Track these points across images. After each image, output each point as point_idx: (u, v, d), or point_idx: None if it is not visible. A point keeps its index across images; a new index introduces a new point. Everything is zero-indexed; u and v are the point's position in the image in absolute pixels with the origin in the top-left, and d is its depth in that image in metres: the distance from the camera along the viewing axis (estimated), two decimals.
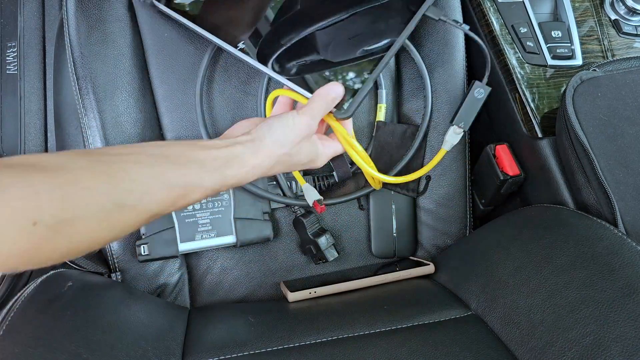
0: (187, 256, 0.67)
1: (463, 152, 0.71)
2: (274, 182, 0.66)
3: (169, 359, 0.50)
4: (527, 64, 0.66)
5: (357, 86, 0.53)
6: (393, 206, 0.71)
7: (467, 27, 0.60)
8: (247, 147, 0.43)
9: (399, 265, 0.69)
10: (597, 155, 0.55)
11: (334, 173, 0.68)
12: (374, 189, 0.69)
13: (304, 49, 0.57)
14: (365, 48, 0.56)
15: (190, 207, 0.62)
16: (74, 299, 0.50)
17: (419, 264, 0.69)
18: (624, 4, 0.70)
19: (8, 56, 0.73)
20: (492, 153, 0.68)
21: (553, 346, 0.46)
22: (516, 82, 0.65)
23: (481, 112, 0.63)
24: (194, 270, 0.67)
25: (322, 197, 0.64)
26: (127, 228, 0.36)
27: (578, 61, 0.67)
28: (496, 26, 0.68)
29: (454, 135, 0.62)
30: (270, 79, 0.67)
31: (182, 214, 0.62)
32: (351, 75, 0.54)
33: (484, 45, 0.59)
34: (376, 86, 0.70)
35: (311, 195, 0.64)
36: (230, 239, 0.63)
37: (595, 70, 0.60)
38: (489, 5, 0.69)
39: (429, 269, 0.68)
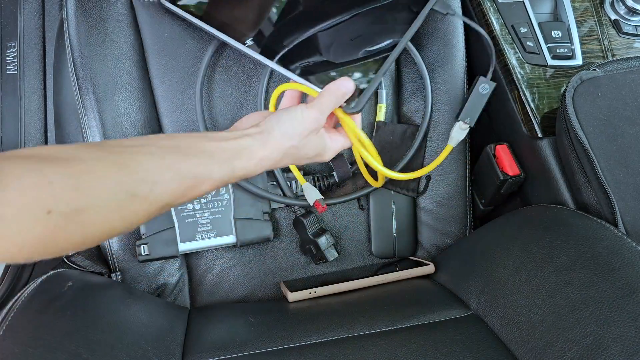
0: (187, 256, 0.67)
1: (463, 152, 0.72)
2: (274, 182, 0.66)
3: (169, 359, 0.50)
4: (527, 64, 0.66)
5: (366, 80, 0.53)
6: (393, 206, 0.71)
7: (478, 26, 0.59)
8: (255, 139, 0.44)
9: (399, 265, 0.69)
10: (597, 155, 0.55)
11: (334, 173, 0.68)
12: (374, 189, 0.69)
13: (313, 44, 0.57)
14: (375, 42, 0.56)
15: (190, 207, 0.62)
16: (74, 299, 0.50)
17: (419, 264, 0.69)
18: (624, 4, 0.70)
19: (8, 56, 0.73)
20: (492, 153, 0.68)
21: (553, 346, 0.46)
22: (516, 82, 0.65)
23: (482, 111, 0.63)
24: (194, 270, 0.67)
25: (322, 197, 0.64)
26: (139, 218, 0.37)
27: (578, 61, 0.67)
28: (496, 26, 0.68)
29: (459, 131, 0.62)
30: (270, 78, 0.67)
31: (182, 214, 0.62)
32: (361, 69, 0.54)
33: (489, 41, 0.59)
34: None
35: (312, 194, 0.64)
36: (230, 239, 0.63)
37: (595, 70, 0.60)
38: (489, 5, 0.69)
39: (429, 269, 0.68)
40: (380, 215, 0.70)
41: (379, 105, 0.70)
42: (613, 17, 0.71)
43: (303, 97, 0.56)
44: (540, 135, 0.64)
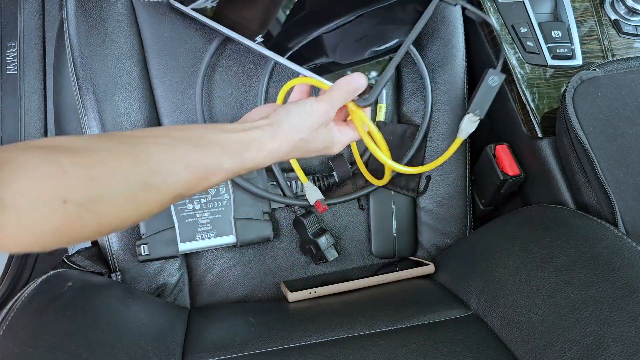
0: (187, 256, 0.67)
1: (463, 152, 0.72)
2: (274, 182, 0.66)
3: (169, 359, 0.50)
4: (527, 64, 0.66)
5: (377, 73, 0.53)
6: (393, 206, 0.71)
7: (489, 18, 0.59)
8: (265, 131, 0.44)
9: (399, 265, 0.69)
10: (597, 155, 0.55)
11: (334, 173, 0.68)
12: (374, 189, 0.69)
13: (322, 41, 0.57)
14: (385, 36, 0.56)
15: (190, 207, 0.62)
16: (74, 299, 0.50)
17: (419, 264, 0.69)
18: (624, 4, 0.70)
19: (8, 56, 0.73)
20: (492, 153, 0.68)
21: (553, 346, 0.46)
22: (516, 82, 0.65)
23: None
24: (194, 270, 0.67)
25: (324, 197, 0.64)
26: (152, 208, 0.37)
27: (578, 61, 0.67)
28: (496, 26, 0.68)
29: (469, 124, 0.61)
30: (270, 78, 0.67)
31: (182, 214, 0.62)
32: (372, 62, 0.54)
33: (498, 31, 0.59)
34: None
35: (313, 194, 0.64)
36: (230, 239, 0.63)
37: (595, 70, 0.60)
38: (489, 5, 0.69)
39: (429, 269, 0.68)
40: (380, 215, 0.70)
41: (379, 105, 0.70)
42: (613, 17, 0.71)
43: (312, 92, 0.55)
44: (540, 135, 0.64)
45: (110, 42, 0.63)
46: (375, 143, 0.54)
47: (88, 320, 0.48)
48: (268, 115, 0.46)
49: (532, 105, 0.64)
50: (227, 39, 0.66)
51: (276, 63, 0.67)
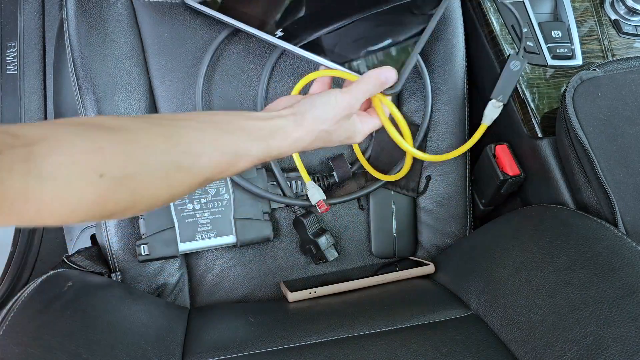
0: (187, 256, 0.67)
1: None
2: (274, 182, 0.66)
3: (169, 359, 0.50)
4: (527, 64, 0.66)
5: (402, 60, 0.53)
6: (393, 206, 0.71)
7: None
8: (289, 120, 0.44)
9: (399, 265, 0.69)
10: (597, 155, 0.55)
11: (334, 173, 0.68)
12: (374, 189, 0.69)
13: (342, 31, 0.57)
14: (404, 25, 0.56)
15: (190, 207, 0.62)
16: (74, 299, 0.50)
17: (419, 264, 0.69)
18: (624, 4, 0.70)
19: (8, 56, 0.73)
20: (492, 153, 0.68)
21: (553, 346, 0.46)
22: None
23: (480, 112, 0.63)
24: (194, 270, 0.67)
25: (325, 197, 0.64)
26: (183, 189, 0.38)
27: (578, 61, 0.67)
28: (496, 26, 0.68)
29: (493, 110, 0.62)
30: (270, 79, 0.67)
31: (182, 214, 0.62)
32: (395, 50, 0.54)
33: (517, 15, 0.59)
34: None
35: (315, 194, 0.64)
36: (230, 239, 0.63)
37: (595, 70, 0.60)
38: (489, 5, 0.69)
39: (429, 269, 0.68)
40: (380, 215, 0.70)
41: None
42: (613, 17, 0.71)
43: (333, 84, 0.56)
44: (540, 135, 0.64)
45: (110, 42, 0.63)
46: (399, 132, 0.54)
47: (88, 320, 0.48)
48: (292, 105, 0.46)
49: (532, 105, 0.64)
50: (227, 39, 0.66)
51: (276, 63, 0.67)
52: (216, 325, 0.58)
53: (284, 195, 0.66)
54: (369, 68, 0.53)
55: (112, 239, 0.63)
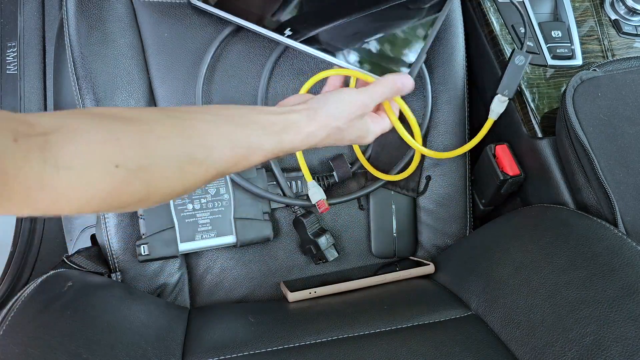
0: (187, 256, 0.67)
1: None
2: (274, 182, 0.66)
3: (169, 359, 0.50)
4: (527, 64, 0.66)
5: (412, 57, 0.54)
6: (393, 206, 0.71)
7: None
8: (302, 115, 0.44)
9: (399, 265, 0.69)
10: (597, 155, 0.55)
11: (334, 173, 0.68)
12: (374, 189, 0.69)
13: (355, 28, 0.58)
14: (413, 20, 0.57)
15: (190, 207, 0.62)
16: (74, 299, 0.50)
17: (419, 264, 0.69)
18: (624, 4, 0.70)
19: (8, 56, 0.73)
20: (492, 153, 0.68)
21: (553, 346, 0.46)
22: None
23: (480, 112, 0.63)
24: (194, 270, 0.67)
25: (326, 197, 0.64)
26: (196, 182, 0.38)
27: (578, 61, 0.67)
28: (496, 26, 0.68)
29: (499, 104, 0.63)
30: (269, 79, 0.67)
31: (182, 214, 0.62)
32: (405, 45, 0.55)
33: (520, 9, 0.60)
34: None
35: (316, 193, 0.64)
36: (230, 239, 0.63)
37: (595, 70, 0.60)
38: (489, 5, 0.69)
39: (429, 269, 0.68)
40: (380, 215, 0.70)
41: None
42: (613, 17, 0.71)
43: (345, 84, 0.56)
44: (540, 135, 0.64)
45: (110, 42, 0.63)
46: (410, 132, 0.54)
47: (88, 320, 0.48)
48: (306, 101, 0.47)
49: (532, 105, 0.64)
50: (227, 39, 0.66)
51: (276, 62, 0.67)
52: (216, 325, 0.58)
53: (284, 195, 0.66)
54: (374, 66, 0.54)
55: (112, 239, 0.63)
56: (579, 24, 0.69)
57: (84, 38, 0.62)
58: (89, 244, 0.72)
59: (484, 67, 0.71)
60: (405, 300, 0.61)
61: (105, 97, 0.62)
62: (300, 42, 0.58)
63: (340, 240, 0.70)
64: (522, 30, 0.67)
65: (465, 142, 0.72)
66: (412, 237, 0.72)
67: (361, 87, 0.49)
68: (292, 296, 0.63)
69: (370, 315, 0.57)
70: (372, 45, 0.56)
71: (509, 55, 0.66)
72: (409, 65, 0.54)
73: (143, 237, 0.61)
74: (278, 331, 0.55)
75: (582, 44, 0.68)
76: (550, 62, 0.66)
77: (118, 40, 0.63)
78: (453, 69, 0.70)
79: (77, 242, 0.75)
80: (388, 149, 0.69)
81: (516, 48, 0.62)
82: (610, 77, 0.59)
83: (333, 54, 0.56)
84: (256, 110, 0.43)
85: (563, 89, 0.63)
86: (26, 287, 0.50)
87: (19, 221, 0.73)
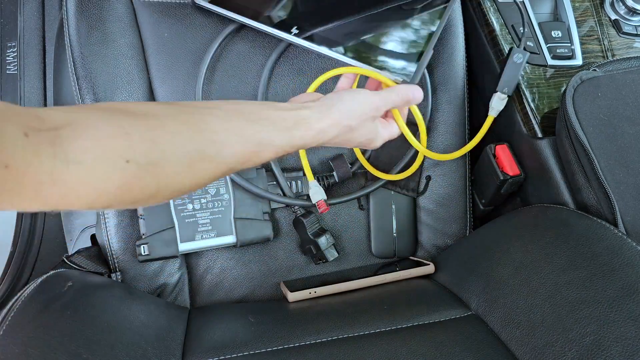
0: (187, 256, 0.67)
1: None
2: (274, 182, 0.66)
3: (169, 359, 0.50)
4: (527, 64, 0.66)
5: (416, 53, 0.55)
6: (393, 206, 0.71)
7: None
8: (314, 111, 0.44)
9: (399, 265, 0.69)
10: (597, 155, 0.55)
11: (334, 173, 0.68)
12: (374, 189, 0.69)
13: (361, 27, 0.58)
14: (418, 21, 0.58)
15: (190, 207, 0.62)
16: (74, 299, 0.50)
17: (419, 264, 0.69)
18: (624, 4, 0.70)
19: (8, 56, 0.73)
20: (492, 153, 0.68)
21: (553, 346, 0.46)
22: None
23: (480, 112, 0.63)
24: (194, 270, 0.67)
25: (326, 197, 0.64)
26: (207, 178, 0.38)
27: (578, 61, 0.67)
28: (496, 26, 0.68)
29: (499, 102, 0.64)
30: (269, 78, 0.67)
31: (182, 214, 0.62)
32: (408, 44, 0.56)
33: (520, 7, 0.61)
34: None
35: (317, 193, 0.64)
36: (230, 239, 0.63)
37: (595, 70, 0.60)
38: (489, 5, 0.69)
39: (429, 269, 0.68)
40: (380, 215, 0.70)
41: None
42: (613, 17, 0.71)
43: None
44: (540, 135, 0.64)
45: (110, 42, 0.63)
46: (417, 135, 0.56)
47: (88, 320, 0.48)
48: (318, 98, 0.47)
49: (532, 105, 0.64)
50: (227, 39, 0.66)
51: (276, 62, 0.67)
52: (216, 325, 0.58)
53: (284, 195, 0.66)
54: (376, 65, 0.55)
55: (112, 239, 0.63)
56: (579, 24, 0.69)
57: (84, 38, 0.62)
58: (89, 244, 0.72)
59: (484, 67, 0.71)
60: (405, 300, 0.61)
61: (105, 97, 0.62)
62: (304, 39, 0.58)
63: (340, 240, 0.70)
64: (522, 30, 0.68)
65: (465, 142, 0.72)
66: (412, 237, 0.72)
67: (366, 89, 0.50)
68: (292, 296, 0.63)
69: (370, 315, 0.57)
70: (377, 44, 0.57)
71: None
72: (418, 59, 0.54)
73: (143, 237, 0.61)
74: (278, 331, 0.55)
75: (582, 44, 0.68)
76: (550, 62, 0.66)
77: (118, 40, 0.63)
78: (453, 69, 0.70)
79: (77, 242, 0.75)
80: (388, 149, 0.69)
81: (514, 46, 0.63)
82: (610, 77, 0.59)
83: (343, 53, 0.56)
84: (267, 105, 0.43)
85: (563, 89, 0.63)
86: (26, 287, 0.50)
87: (19, 221, 0.73)
